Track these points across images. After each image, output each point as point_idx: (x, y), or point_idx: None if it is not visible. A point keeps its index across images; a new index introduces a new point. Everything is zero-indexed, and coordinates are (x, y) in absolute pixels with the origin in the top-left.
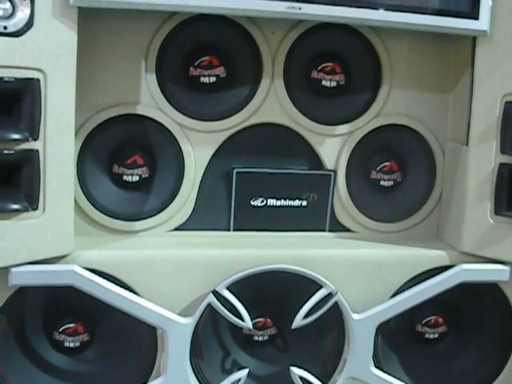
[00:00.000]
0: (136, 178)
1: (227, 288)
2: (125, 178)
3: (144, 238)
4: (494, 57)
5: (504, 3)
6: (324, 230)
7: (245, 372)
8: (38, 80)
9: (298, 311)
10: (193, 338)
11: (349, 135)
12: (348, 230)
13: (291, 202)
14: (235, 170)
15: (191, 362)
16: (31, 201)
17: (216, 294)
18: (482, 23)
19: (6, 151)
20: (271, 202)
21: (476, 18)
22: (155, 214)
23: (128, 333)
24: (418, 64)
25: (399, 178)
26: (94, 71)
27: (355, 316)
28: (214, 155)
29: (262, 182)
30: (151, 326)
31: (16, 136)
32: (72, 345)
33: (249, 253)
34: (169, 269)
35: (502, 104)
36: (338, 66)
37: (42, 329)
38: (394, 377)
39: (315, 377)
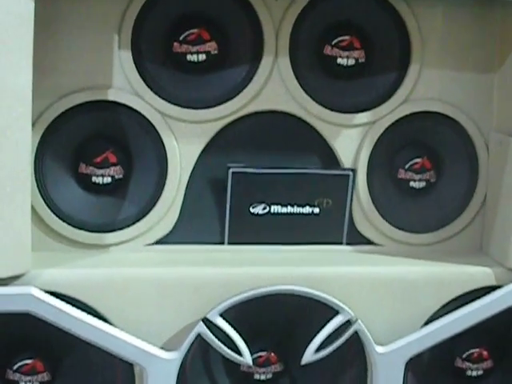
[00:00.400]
0: (108, 180)
1: (221, 315)
2: (94, 179)
3: (118, 253)
4: None
5: None
6: (341, 243)
7: None
8: None
9: (309, 343)
10: (179, 377)
11: (371, 125)
12: (370, 243)
13: (300, 209)
14: (231, 170)
15: None
16: None
17: (207, 322)
18: None
19: None
20: (275, 208)
21: None
22: (131, 224)
23: (98, 370)
24: (456, 37)
25: (433, 178)
26: (55, 48)
27: (380, 349)
28: (203, 151)
29: (264, 185)
30: (127, 362)
31: None
32: None
33: (248, 271)
34: (148, 292)
35: None
36: (356, 40)
37: None
38: None
39: None
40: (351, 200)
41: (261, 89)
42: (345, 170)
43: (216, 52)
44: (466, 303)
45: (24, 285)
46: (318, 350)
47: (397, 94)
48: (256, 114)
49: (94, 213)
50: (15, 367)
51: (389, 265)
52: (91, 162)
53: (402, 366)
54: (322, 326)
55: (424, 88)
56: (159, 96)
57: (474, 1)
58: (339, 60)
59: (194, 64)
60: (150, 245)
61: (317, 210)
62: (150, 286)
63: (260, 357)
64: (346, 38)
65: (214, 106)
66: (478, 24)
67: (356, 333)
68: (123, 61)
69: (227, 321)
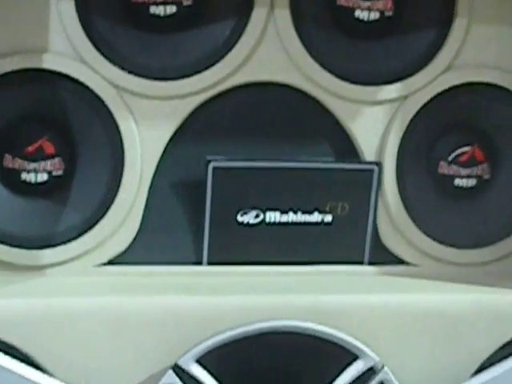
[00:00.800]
0: (43, 178)
1: (197, 360)
2: (24, 176)
3: (57, 277)
4: None
5: None
6: (361, 263)
7: None
8: None
9: None
10: None
11: (401, 102)
12: (401, 262)
13: (306, 217)
14: (211, 165)
15: None
16: None
17: (179, 370)
18: None
19: None
20: (272, 216)
21: None
22: (75, 238)
23: None
24: None
25: (487, 174)
26: None
27: None
28: (173, 138)
29: (257, 184)
30: None
31: None
32: None
33: (234, 301)
34: (99, 330)
35: None
36: None
37: None
38: None
39: None
40: (375, 204)
41: (251, 53)
42: (367, 163)
43: (189, 2)
44: None
45: None
46: None
47: (436, 59)
48: (245, 86)
49: (24, 222)
50: None
51: (426, 291)
52: (20, 153)
53: None
54: (336, 376)
55: (473, 51)
56: (113, 63)
57: None
58: (358, 13)
59: (159, 19)
60: (100, 265)
61: (329, 218)
62: (101, 321)
63: None
64: None
65: (188, 76)
66: None
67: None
68: (64, 15)
69: (206, 368)
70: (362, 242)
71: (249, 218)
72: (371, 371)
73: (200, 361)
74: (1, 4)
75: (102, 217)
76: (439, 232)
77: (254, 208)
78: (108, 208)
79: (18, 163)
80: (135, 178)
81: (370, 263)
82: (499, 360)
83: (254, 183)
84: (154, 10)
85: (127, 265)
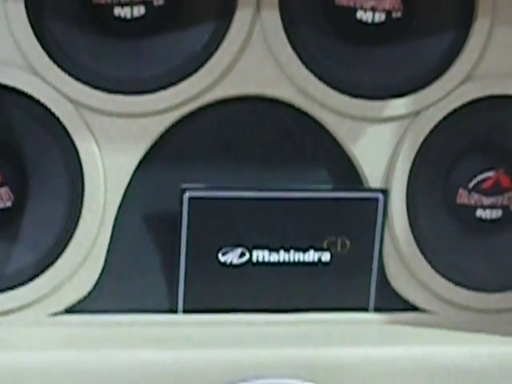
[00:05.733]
0: None
1: None
2: None
3: (6, 328)
4: None
5: None
6: (366, 310)
7: None
8: None
9: None
10: None
11: (412, 119)
12: (414, 309)
13: (300, 256)
14: (187, 194)
15: None
16: None
17: None
18: None
19: None
20: (260, 255)
21: None
22: (27, 282)
23: None
24: None
25: None
26: None
27: None
28: (142, 163)
29: (242, 217)
30: None
31: None
32: None
33: (214, 356)
34: None
35: None
36: None
37: None
38: None
39: None
40: (382, 239)
41: (234, 61)
42: (371, 191)
43: (161, 2)
44: None
45: None
46: None
47: (454, 67)
48: (226, 101)
49: None
50: None
51: (443, 343)
52: None
53: None
54: None
55: (496, 58)
56: (70, 74)
57: None
58: (360, 14)
59: (125, 22)
60: (56, 314)
61: (327, 257)
62: (57, 379)
63: None
64: None
65: (160, 89)
66: None
67: None
68: (11, 17)
69: None
70: (367, 284)
71: (232, 257)
72: None
73: None
74: None
75: (58, 257)
76: (457, 273)
77: (238, 245)
78: (65, 246)
79: None
80: (97, 211)
81: (376, 309)
82: None
83: (237, 216)
84: (119, 11)
85: (88, 313)
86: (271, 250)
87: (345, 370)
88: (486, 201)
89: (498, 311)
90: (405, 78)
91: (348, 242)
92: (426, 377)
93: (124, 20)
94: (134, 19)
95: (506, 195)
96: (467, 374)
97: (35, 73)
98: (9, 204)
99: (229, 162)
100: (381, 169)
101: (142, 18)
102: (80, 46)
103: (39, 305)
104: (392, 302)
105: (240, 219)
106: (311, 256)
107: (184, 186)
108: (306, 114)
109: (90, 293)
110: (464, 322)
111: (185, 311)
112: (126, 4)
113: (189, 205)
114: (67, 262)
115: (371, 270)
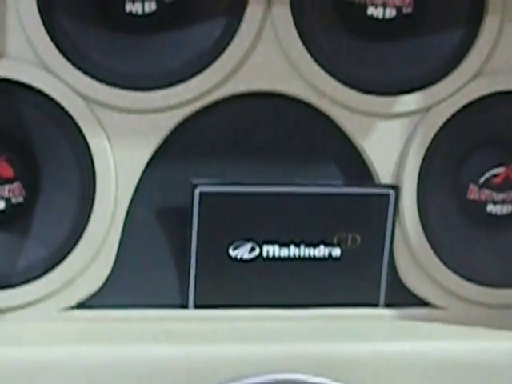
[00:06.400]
0: (0, 206)
1: None
2: None
3: (18, 323)
4: None
5: None
6: (377, 305)
7: None
8: None
9: None
10: None
11: (423, 115)
12: (424, 304)
13: (311, 251)
14: (198, 190)
15: None
16: None
17: None
18: None
19: None
20: (270, 250)
21: None
22: (39, 277)
23: None
24: None
25: None
26: None
27: None
28: (153, 158)
29: (252, 213)
30: None
31: None
32: None
33: (225, 351)
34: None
35: None
36: None
37: None
38: None
39: None
40: (392, 235)
41: (245, 57)
42: (382, 187)
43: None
44: None
45: None
46: None
47: (464, 63)
48: (238, 97)
49: None
50: None
51: (453, 338)
52: None
53: None
54: None
55: (507, 54)
56: (82, 70)
57: None
58: (371, 10)
59: (137, 18)
60: (68, 309)
61: (337, 252)
62: (68, 374)
63: None
64: None
65: (171, 85)
66: None
67: None
68: (23, 13)
69: None
70: (377, 279)
71: (243, 252)
72: None
73: None
74: None
75: (69, 252)
76: (468, 268)
77: (248, 240)
78: (77, 241)
79: None
80: (108, 206)
81: (387, 305)
82: None
83: (248, 211)
84: (130, 7)
85: (99, 308)
86: (281, 245)
87: (355, 365)
88: (497, 196)
89: (509, 307)
90: (415, 74)
91: (358, 238)
92: (436, 372)
93: (135, 16)
94: (145, 15)
95: (511, 193)
96: (477, 369)
97: (47, 69)
98: (20, 199)
99: (240, 158)
100: (391, 165)
101: (153, 13)
102: (91, 42)
103: (50, 300)
104: (402, 298)
105: (251, 214)
106: (321, 251)
107: (195, 181)
108: (316, 110)
109: (101, 288)
110: (475, 317)
111: (196, 306)
112: (138, 0)
113: (199, 200)
114: (79, 258)
115: (382, 265)
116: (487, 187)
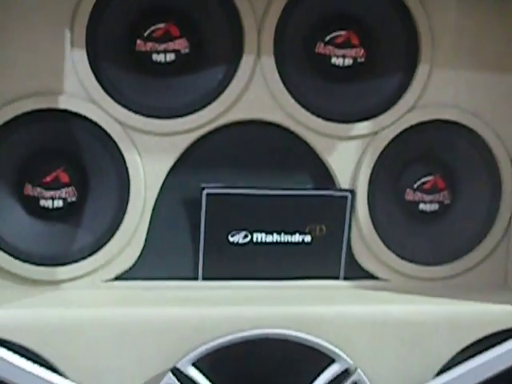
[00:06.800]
0: (59, 204)
1: (193, 364)
2: (42, 202)
3: (71, 290)
4: None
5: None
6: (337, 278)
7: None
8: None
9: None
10: None
11: (372, 137)
12: (373, 278)
13: (288, 238)
14: (205, 191)
15: None
16: None
17: (177, 372)
18: None
19: None
20: (259, 237)
21: None
22: (87, 256)
23: None
24: (472, 33)
25: (447, 200)
26: None
27: None
28: (173, 169)
29: (245, 209)
30: None
31: None
32: None
33: (226, 312)
34: (107, 336)
35: None
36: (354, 36)
37: None
38: None
39: None
40: (349, 226)
41: (240, 94)
42: (341, 190)
43: (187, 51)
44: (488, 348)
45: None
46: None
47: (403, 99)
48: (235, 124)
49: (42, 243)
50: None
51: (395, 303)
52: (39, 182)
53: None
54: (315, 377)
55: (435, 92)
56: (119, 103)
57: None
58: (334, 60)
59: (160, 65)
60: (108, 281)
61: (308, 239)
62: (109, 329)
63: None
64: (342, 33)
65: (185, 115)
66: (495, 19)
67: None
68: (76, 62)
69: (201, 371)
70: (338, 259)
71: (238, 238)
72: (346, 373)
73: (196, 364)
74: (25, 53)
75: (110, 238)
76: (406, 251)
77: (243, 229)
78: (115, 230)
79: (37, 191)
80: (139, 204)
81: (345, 278)
82: (458, 363)
83: (242, 208)
84: (155, 57)
85: (132, 280)
86: (267, 233)
87: (322, 322)
88: (426, 198)
89: (436, 279)
90: (366, 107)
91: (324, 228)
92: (381, 328)
93: (159, 64)
94: (166, 63)
95: (441, 194)
96: (412, 326)
97: (93, 102)
98: (74, 199)
99: (237, 168)
100: (349, 174)
101: (172, 62)
102: (126, 82)
103: (95, 274)
104: (356, 273)
105: (244, 210)
106: (296, 238)
107: (203, 185)
108: (293, 133)
109: (133, 265)
110: (410, 287)
111: (203, 279)
112: (161, 51)
113: (206, 199)
114: (117, 242)
115: (341, 248)
116: (419, 191)
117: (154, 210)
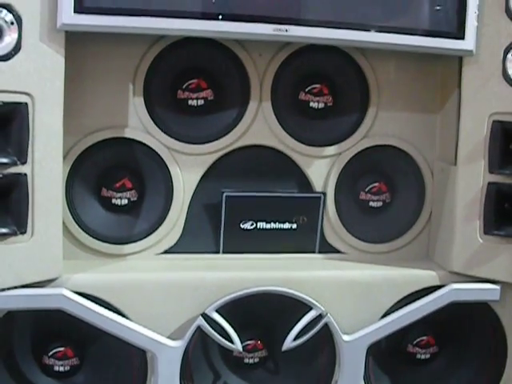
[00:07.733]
0: (125, 202)
1: (216, 311)
2: (113, 201)
3: (133, 261)
4: (480, 76)
5: (489, 23)
6: (314, 252)
7: None
8: (26, 104)
9: (288, 333)
10: (183, 361)
11: (337, 156)
12: (338, 252)
13: (281, 225)
14: (224, 194)
15: None
16: (20, 224)
17: (205, 316)
18: (467, 43)
19: None
20: (261, 225)
21: (462, 37)
22: (144, 238)
23: (118, 356)
24: (406, 85)
25: (388, 199)
26: (81, 95)
27: (345, 337)
28: (202, 178)
29: (252, 206)
30: (141, 350)
31: (4, 160)
32: (62, 369)
33: (238, 275)
34: (158, 292)
35: (490, 123)
36: (325, 88)
37: (31, 353)
38: None
39: None
40: (322, 217)
41: (248, 127)
42: (317, 193)
43: (212, 98)
44: (416, 300)
45: (57, 287)
46: (296, 338)
47: (358, 130)
48: (244, 148)
49: (113, 228)
50: (50, 353)
51: (352, 269)
52: (111, 186)
53: (364, 351)
54: (299, 319)
55: (380, 126)
56: (166, 133)
57: (420, 56)
58: (311, 104)
59: (194, 108)
60: (159, 254)
61: (295, 226)
62: (159, 287)
63: (249, 344)
64: (317, 86)
65: (211, 141)
66: (423, 74)
67: (326, 324)
68: (137, 105)
69: (222, 315)
70: (314, 239)
71: (247, 225)
72: (319, 317)
73: (218, 310)
74: (101, 99)
75: (159, 225)
76: (360, 233)
77: (250, 219)
78: (163, 220)
79: (110, 193)
80: (179, 203)
81: (319, 252)
82: (396, 310)
83: (250, 205)
84: (190, 102)
85: (175, 254)
86: (267, 222)
87: (303, 283)
88: (374, 198)
89: (380, 253)
90: (333, 136)
91: (306, 219)
92: (344, 285)
93: (193, 107)
94: (198, 106)
95: (384, 195)
96: (365, 284)
97: (148, 133)
98: (135, 199)
99: (246, 177)
100: (321, 181)
101: (202, 106)
102: (171, 119)
103: (150, 249)
104: (327, 249)
105: (251, 206)
106: (286, 225)
107: (223, 190)
108: (284, 154)
109: (175, 244)
110: (364, 259)
111: (223, 252)
112: (194, 98)
113: (225, 199)
114: (164, 228)
115: (317, 232)
116: (369, 193)
117: (189, 206)
